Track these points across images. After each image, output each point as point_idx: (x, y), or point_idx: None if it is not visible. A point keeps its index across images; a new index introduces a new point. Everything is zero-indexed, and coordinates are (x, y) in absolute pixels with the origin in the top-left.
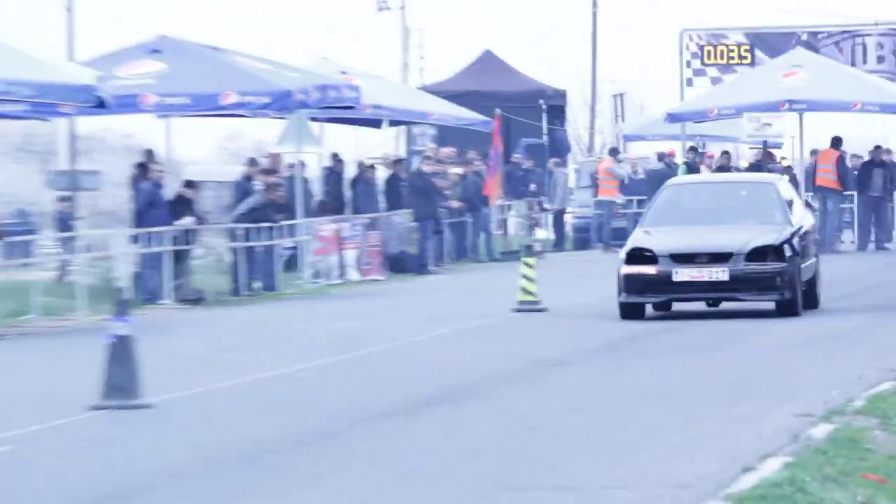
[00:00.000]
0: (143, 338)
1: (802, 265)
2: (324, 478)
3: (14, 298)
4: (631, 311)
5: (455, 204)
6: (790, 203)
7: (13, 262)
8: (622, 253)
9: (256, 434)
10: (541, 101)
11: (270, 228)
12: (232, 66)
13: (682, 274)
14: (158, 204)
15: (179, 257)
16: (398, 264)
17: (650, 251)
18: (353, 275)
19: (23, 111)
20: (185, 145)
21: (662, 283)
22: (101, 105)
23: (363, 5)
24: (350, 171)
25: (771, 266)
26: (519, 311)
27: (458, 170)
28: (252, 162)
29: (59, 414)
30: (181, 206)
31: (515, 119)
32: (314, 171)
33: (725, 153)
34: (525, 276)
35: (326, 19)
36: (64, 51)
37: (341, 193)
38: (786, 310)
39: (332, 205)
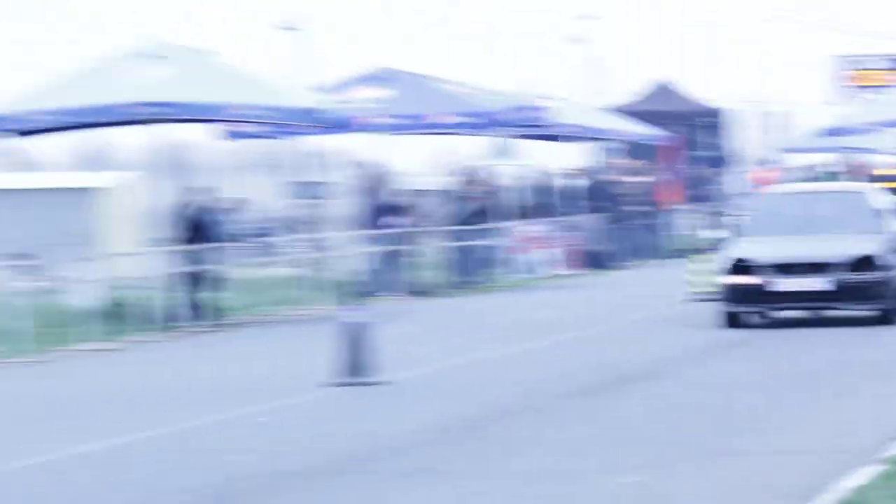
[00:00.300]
0: (376, 324)
1: None
2: (534, 444)
3: (259, 292)
4: (733, 320)
5: (641, 208)
6: (883, 211)
7: (258, 260)
8: (722, 263)
9: (475, 407)
10: (707, 120)
11: (483, 230)
12: (443, 91)
13: (783, 284)
14: (384, 209)
15: (404, 255)
16: (594, 260)
17: (750, 261)
18: (556, 270)
19: (266, 131)
20: (405, 159)
21: (763, 293)
22: (333, 125)
23: (554, 38)
24: (551, 181)
25: (871, 275)
26: (691, 301)
27: (641, 179)
28: (463, 173)
29: (304, 390)
30: (404, 210)
31: (686, 135)
32: (518, 180)
33: (868, 164)
34: (693, 271)
35: (524, 50)
36: (301, 79)
37: (544, 200)
38: (885, 318)
39: (536, 209)
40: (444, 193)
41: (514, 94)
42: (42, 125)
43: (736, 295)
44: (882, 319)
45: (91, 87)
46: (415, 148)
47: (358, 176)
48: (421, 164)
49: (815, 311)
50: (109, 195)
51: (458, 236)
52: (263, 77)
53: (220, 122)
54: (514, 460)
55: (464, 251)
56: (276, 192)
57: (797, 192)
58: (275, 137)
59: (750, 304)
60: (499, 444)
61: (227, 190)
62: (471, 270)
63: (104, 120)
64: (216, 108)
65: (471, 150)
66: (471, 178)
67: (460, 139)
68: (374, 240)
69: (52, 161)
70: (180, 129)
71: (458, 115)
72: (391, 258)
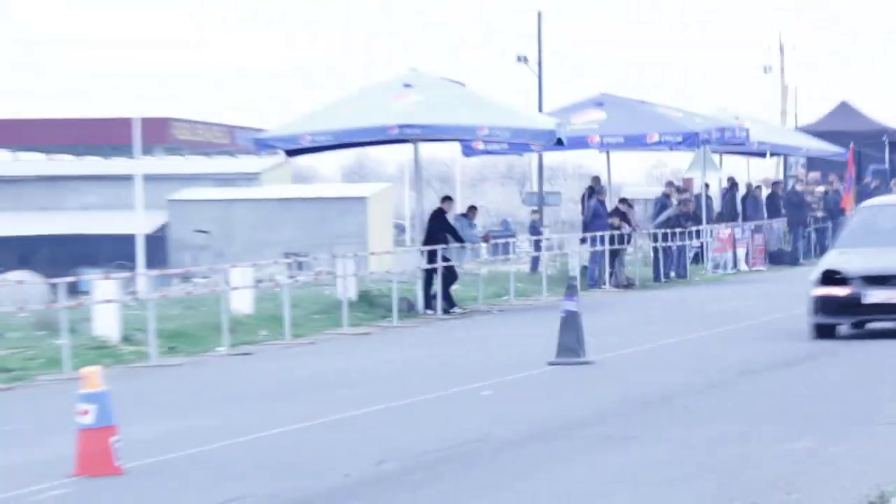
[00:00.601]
0: (588, 312)
1: None
2: (713, 416)
3: (497, 284)
4: (823, 332)
5: (819, 214)
6: None
7: (498, 257)
8: (814, 274)
9: (666, 383)
10: (884, 138)
11: (682, 232)
12: (654, 113)
13: (874, 296)
14: (601, 215)
15: (616, 254)
16: (776, 259)
17: (842, 273)
18: (743, 267)
19: (505, 149)
20: (621, 172)
21: (854, 305)
22: (560, 143)
23: (751, 70)
24: (741, 191)
25: None
26: None
27: (822, 189)
28: (669, 184)
29: (526, 368)
30: (618, 216)
31: (865, 151)
32: (715, 190)
33: None
34: None
35: (722, 79)
36: (534, 104)
37: (735, 206)
38: None
39: (728, 215)
40: (653, 201)
41: (715, 116)
42: (312, 144)
43: (825, 306)
44: None
45: (353, 112)
46: (629, 162)
47: (582, 187)
48: (634, 175)
49: None
50: (369, 203)
51: (662, 237)
52: (501, 102)
53: (462, 141)
54: (696, 429)
55: (667, 250)
56: (509, 200)
57: (893, 205)
58: (507, 154)
59: (839, 315)
60: (684, 415)
61: (467, 198)
62: (672, 267)
63: (365, 139)
64: (459, 129)
65: (677, 164)
66: (676, 188)
67: (668, 155)
68: (592, 241)
69: (321, 175)
70: (429, 146)
71: (666, 134)
72: (606, 256)
